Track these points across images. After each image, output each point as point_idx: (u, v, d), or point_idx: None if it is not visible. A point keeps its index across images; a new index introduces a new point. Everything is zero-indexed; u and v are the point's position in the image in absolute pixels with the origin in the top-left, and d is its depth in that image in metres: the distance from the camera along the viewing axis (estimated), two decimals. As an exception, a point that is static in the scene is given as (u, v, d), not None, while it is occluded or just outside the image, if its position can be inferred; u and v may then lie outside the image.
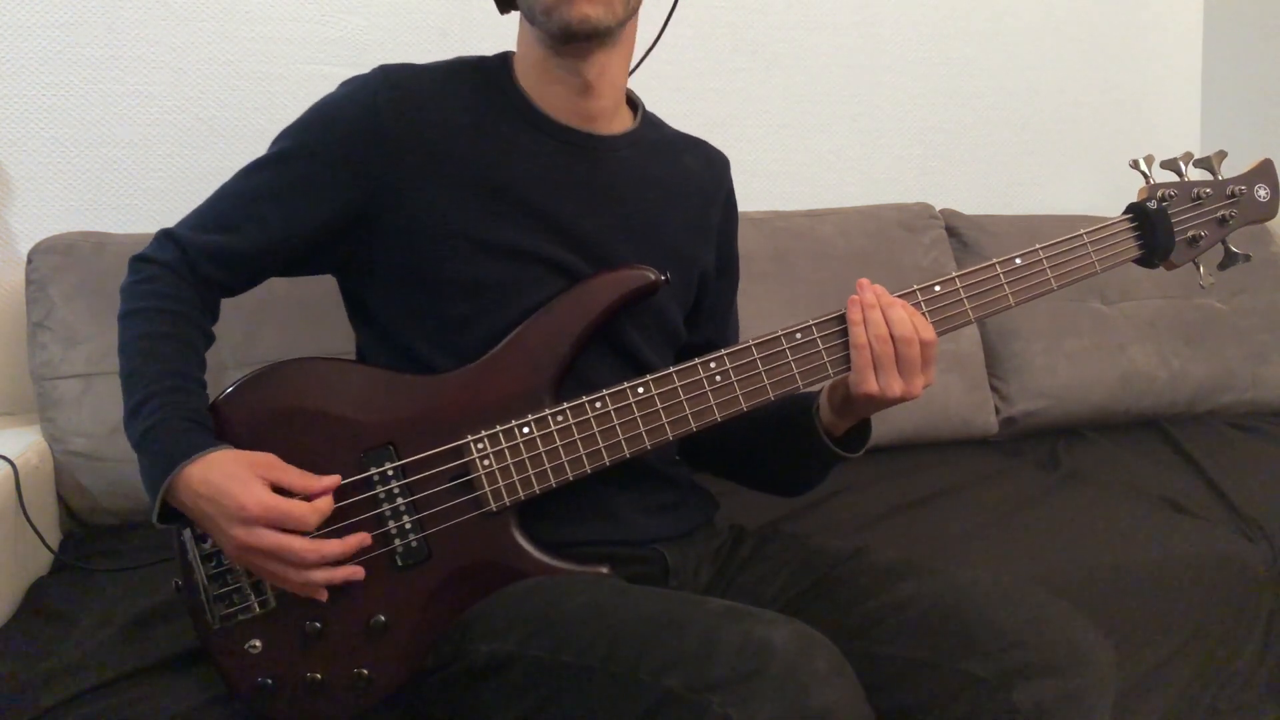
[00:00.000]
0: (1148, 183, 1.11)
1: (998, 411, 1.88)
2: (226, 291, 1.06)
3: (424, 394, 1.00)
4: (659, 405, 1.00)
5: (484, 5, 1.11)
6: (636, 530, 1.06)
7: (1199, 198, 1.12)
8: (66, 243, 1.46)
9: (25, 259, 1.46)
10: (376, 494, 0.97)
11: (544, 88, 1.05)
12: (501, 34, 1.16)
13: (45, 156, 1.56)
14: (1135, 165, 1.12)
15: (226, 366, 1.45)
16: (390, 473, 0.98)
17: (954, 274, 1.04)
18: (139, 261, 1.05)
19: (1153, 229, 1.10)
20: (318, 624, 0.95)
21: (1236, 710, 1.39)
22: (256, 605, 0.96)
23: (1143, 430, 1.92)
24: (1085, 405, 1.90)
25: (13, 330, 1.54)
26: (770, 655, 0.78)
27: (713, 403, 1.00)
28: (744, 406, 1.01)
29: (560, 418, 0.99)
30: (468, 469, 0.98)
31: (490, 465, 0.98)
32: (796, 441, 1.10)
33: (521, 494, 0.98)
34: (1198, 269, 1.15)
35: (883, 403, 1.00)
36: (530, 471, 0.98)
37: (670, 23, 1.19)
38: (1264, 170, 1.15)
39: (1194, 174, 1.13)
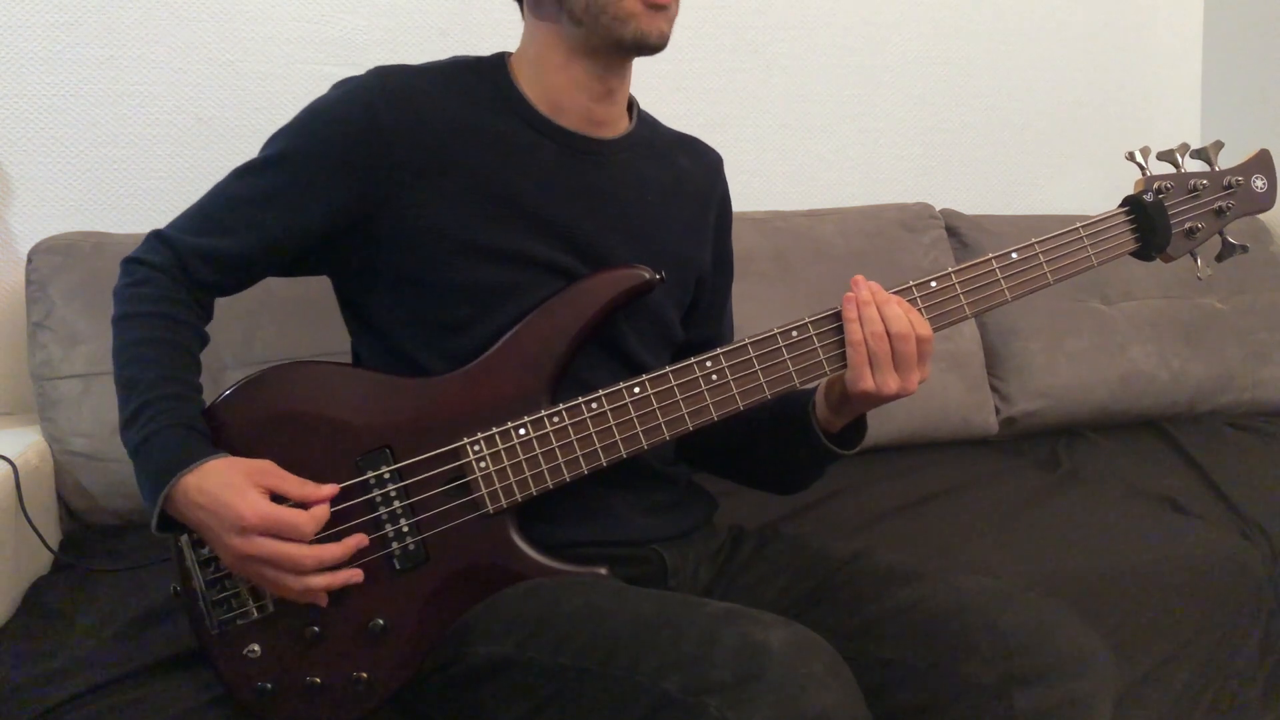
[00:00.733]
0: (1144, 175, 1.10)
1: (998, 411, 1.88)
2: (220, 292, 1.05)
3: (420, 397, 1.00)
4: (655, 405, 0.99)
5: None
6: (634, 530, 1.06)
7: (1196, 189, 1.11)
8: (66, 243, 1.46)
9: (25, 259, 1.46)
10: (374, 497, 0.97)
11: (557, 90, 1.04)
12: (502, 34, 1.16)
13: (45, 156, 1.56)
14: (1131, 157, 1.10)
15: (225, 366, 1.45)
16: (387, 476, 0.97)
17: (950, 269, 1.03)
18: (131, 264, 1.03)
19: (1149, 221, 1.08)
20: (316, 628, 0.95)
21: (1236, 710, 1.39)
22: (255, 610, 0.96)
23: (1143, 430, 1.92)
24: (1085, 405, 1.90)
25: (13, 330, 1.54)
26: (767, 658, 0.79)
27: (709, 402, 1.00)
28: (740, 406, 1.00)
29: (557, 419, 0.98)
30: (465, 471, 0.98)
31: (487, 467, 0.98)
32: (792, 439, 1.09)
33: (519, 496, 0.98)
34: (1195, 261, 1.14)
35: (879, 400, 0.99)
36: (527, 473, 0.98)
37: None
38: (1261, 161, 1.14)
39: (1191, 165, 1.12)
